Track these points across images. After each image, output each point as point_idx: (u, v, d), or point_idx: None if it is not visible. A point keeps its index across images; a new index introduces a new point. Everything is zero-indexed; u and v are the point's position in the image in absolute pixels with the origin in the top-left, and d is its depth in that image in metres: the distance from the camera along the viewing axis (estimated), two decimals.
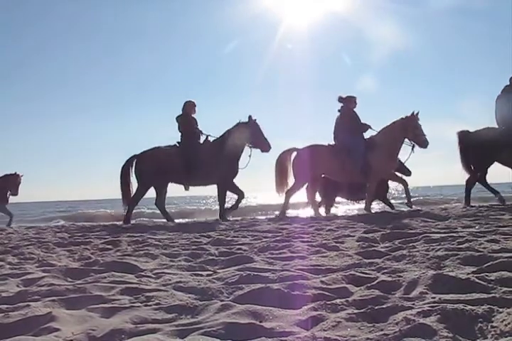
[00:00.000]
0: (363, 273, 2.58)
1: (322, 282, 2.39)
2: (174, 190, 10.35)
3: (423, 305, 1.82)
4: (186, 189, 9.67)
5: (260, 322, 1.77)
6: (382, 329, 1.60)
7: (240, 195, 9.35)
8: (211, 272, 2.97)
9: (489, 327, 1.57)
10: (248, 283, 2.42)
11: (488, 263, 2.50)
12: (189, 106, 9.65)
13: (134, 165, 9.34)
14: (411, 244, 3.60)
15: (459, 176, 9.17)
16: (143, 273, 2.96)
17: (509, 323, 1.54)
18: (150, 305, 2.10)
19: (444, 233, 4.13)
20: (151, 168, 9.09)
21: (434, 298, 1.94)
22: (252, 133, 9.13)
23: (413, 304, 1.87)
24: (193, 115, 9.67)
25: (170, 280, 2.70)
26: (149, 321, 1.91)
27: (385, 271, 2.64)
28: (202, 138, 9.55)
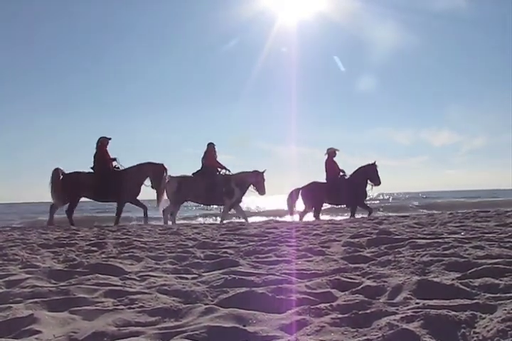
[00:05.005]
0: (348, 278, 2.59)
1: (307, 286, 2.40)
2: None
3: (407, 310, 1.83)
4: None
5: (244, 326, 1.77)
6: (365, 335, 1.61)
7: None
8: (196, 275, 2.96)
9: (472, 333, 1.58)
10: (233, 286, 2.41)
11: (473, 270, 2.52)
12: None
13: None
14: (396, 250, 3.62)
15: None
16: (127, 276, 2.94)
17: (491, 329, 1.55)
18: (133, 308, 2.08)
19: (430, 239, 4.15)
20: None
21: (418, 303, 1.95)
22: None
23: (397, 309, 1.87)
24: None
25: (154, 283, 2.68)
26: (132, 324, 1.89)
27: (370, 276, 2.65)
28: None
